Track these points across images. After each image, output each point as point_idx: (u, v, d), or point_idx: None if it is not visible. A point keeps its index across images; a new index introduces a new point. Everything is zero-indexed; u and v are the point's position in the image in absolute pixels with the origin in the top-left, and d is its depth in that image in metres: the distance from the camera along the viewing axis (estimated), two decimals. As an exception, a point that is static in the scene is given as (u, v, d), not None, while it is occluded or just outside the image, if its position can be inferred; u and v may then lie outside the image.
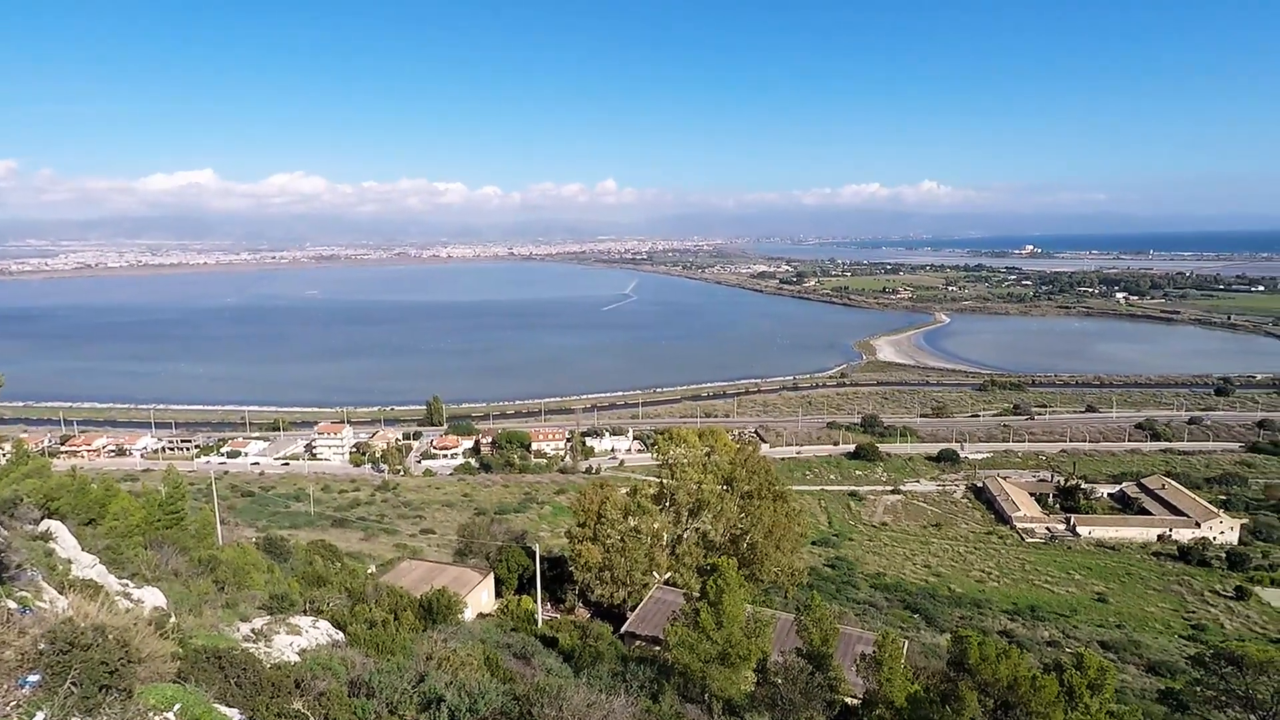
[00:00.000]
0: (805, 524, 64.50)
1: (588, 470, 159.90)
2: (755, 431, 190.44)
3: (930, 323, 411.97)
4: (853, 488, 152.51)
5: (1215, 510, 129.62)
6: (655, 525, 55.81)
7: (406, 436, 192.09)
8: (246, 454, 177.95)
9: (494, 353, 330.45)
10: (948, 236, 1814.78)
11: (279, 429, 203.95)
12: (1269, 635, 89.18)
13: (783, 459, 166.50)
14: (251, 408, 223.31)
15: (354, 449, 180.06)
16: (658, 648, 38.51)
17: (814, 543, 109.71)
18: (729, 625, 32.89)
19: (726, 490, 57.97)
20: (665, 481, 59.23)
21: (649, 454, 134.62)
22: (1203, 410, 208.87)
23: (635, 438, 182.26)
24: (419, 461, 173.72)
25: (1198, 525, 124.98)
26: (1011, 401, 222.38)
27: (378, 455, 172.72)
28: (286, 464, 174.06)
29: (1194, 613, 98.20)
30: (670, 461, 57.70)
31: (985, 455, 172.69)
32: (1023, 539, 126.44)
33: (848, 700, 34.40)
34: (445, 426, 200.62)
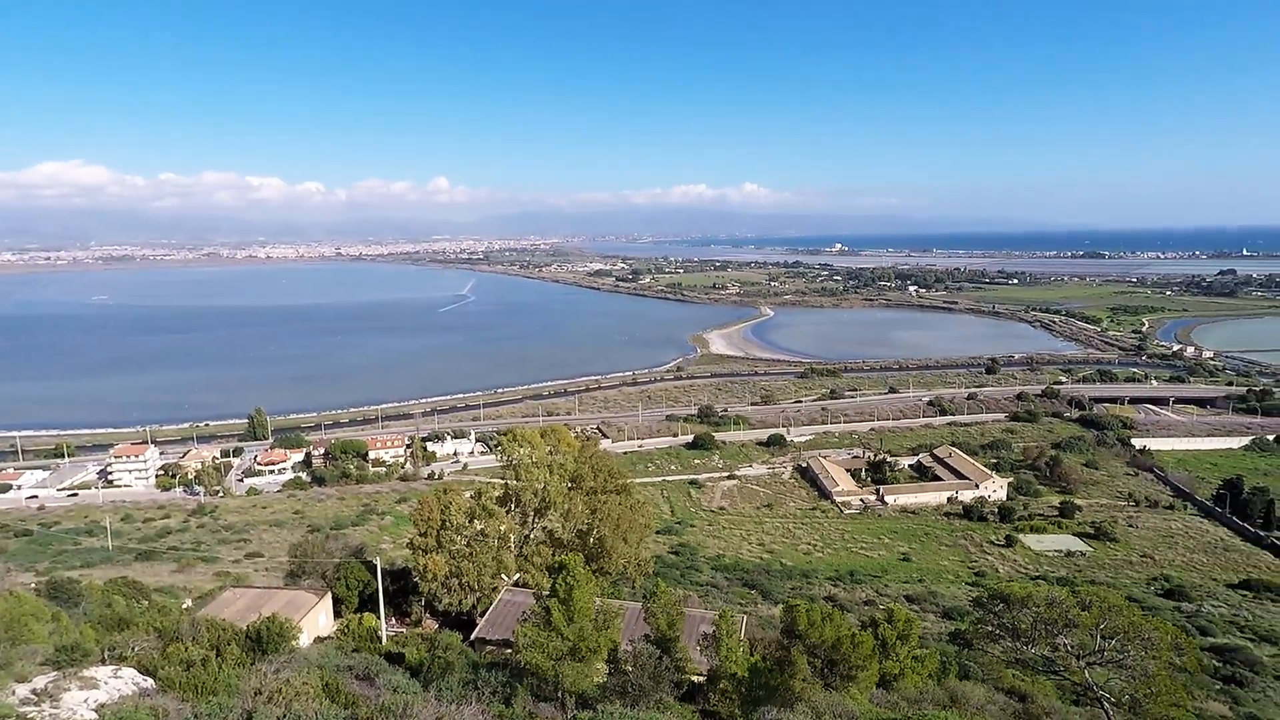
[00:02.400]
0: (649, 515, 66.74)
1: (430, 476, 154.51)
2: (597, 427, 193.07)
3: (756, 316, 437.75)
4: (692, 476, 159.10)
5: (989, 472, 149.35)
6: (502, 528, 55.42)
7: (225, 454, 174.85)
8: (19, 486, 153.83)
9: (323, 359, 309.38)
10: (769, 235, 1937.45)
11: (63, 455, 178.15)
12: (1029, 574, 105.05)
13: (625, 453, 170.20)
14: (24, 433, 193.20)
15: (161, 471, 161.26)
16: (510, 650, 38.45)
17: (658, 532, 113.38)
18: (579, 620, 33.61)
19: (572, 488, 58.71)
20: (510, 483, 58.92)
21: (493, 456, 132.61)
22: (977, 387, 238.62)
23: (478, 440, 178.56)
24: (241, 480, 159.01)
25: (977, 486, 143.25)
26: (828, 387, 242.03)
27: (191, 476, 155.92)
28: (75, 494, 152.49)
29: (976, 562, 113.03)
30: (515, 462, 57.48)
31: (808, 437, 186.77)
32: (842, 511, 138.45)
33: (694, 678, 36.32)
34: (271, 440, 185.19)
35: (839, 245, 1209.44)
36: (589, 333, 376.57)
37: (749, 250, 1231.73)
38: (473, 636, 45.75)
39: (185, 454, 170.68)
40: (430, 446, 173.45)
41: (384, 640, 46.56)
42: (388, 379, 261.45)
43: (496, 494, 58.48)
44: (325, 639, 47.00)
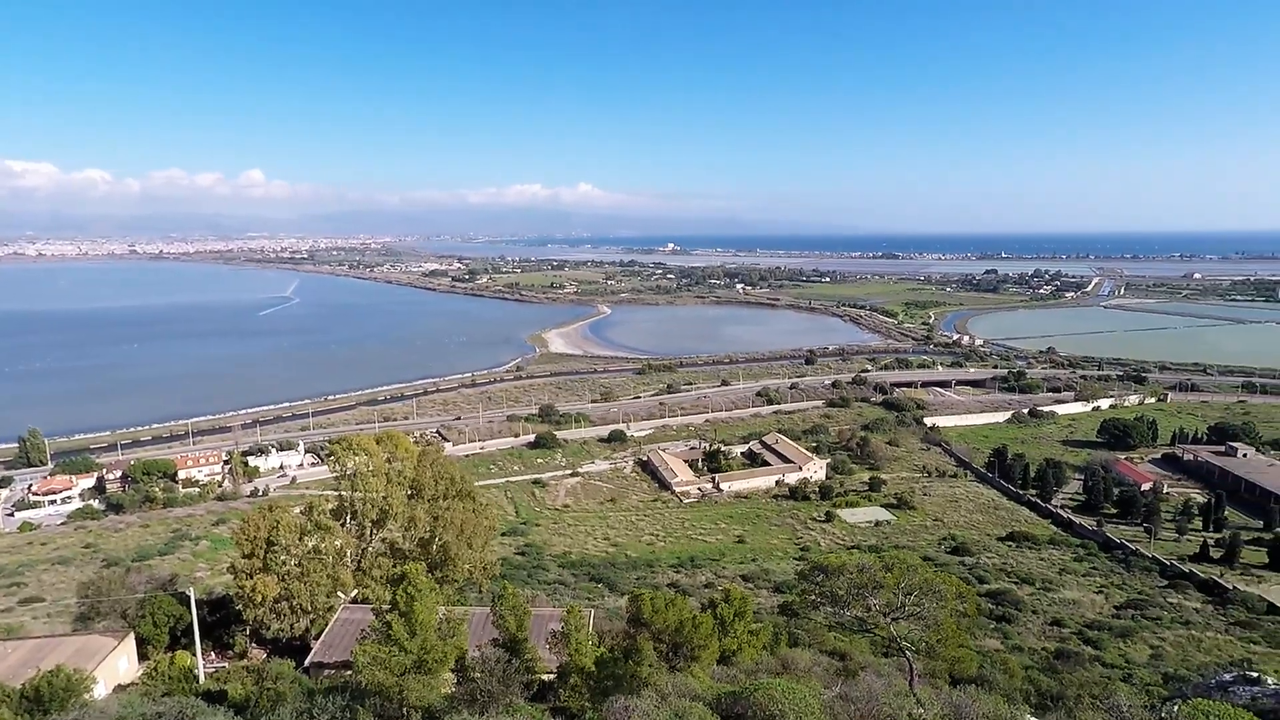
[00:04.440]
0: (494, 517, 66.04)
1: (254, 493, 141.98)
2: (437, 431, 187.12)
3: (594, 315, 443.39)
4: (536, 475, 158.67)
5: (810, 455, 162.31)
6: (338, 542, 52.54)
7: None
8: None
9: (118, 370, 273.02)
10: (605, 235, 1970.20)
11: None
12: (846, 545, 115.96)
13: (467, 456, 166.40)
14: None
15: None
16: (350, 672, 36.76)
17: (504, 534, 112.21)
18: (423, 632, 32.84)
19: (413, 495, 56.84)
20: (345, 494, 55.98)
21: (325, 467, 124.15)
22: (798, 377, 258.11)
23: (308, 451, 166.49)
24: (11, 515, 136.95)
25: (800, 469, 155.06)
26: (665, 382, 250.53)
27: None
28: None
29: (801, 538, 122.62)
30: (350, 472, 54.68)
31: (647, 431, 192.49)
32: (681, 501, 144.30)
33: (545, 677, 36.70)
34: (51, 465, 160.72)
35: (672, 245, 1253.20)
36: (426, 334, 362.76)
37: (585, 250, 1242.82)
38: (307, 662, 43.15)
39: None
40: (253, 461, 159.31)
41: (202, 679, 42.64)
42: (200, 390, 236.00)
43: (330, 507, 55.35)
44: (129, 686, 42.26)
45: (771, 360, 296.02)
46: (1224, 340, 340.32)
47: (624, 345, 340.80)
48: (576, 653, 34.20)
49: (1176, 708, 18.49)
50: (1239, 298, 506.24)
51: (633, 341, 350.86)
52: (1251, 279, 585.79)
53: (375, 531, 56.53)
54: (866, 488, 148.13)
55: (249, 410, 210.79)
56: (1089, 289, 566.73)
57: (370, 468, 54.43)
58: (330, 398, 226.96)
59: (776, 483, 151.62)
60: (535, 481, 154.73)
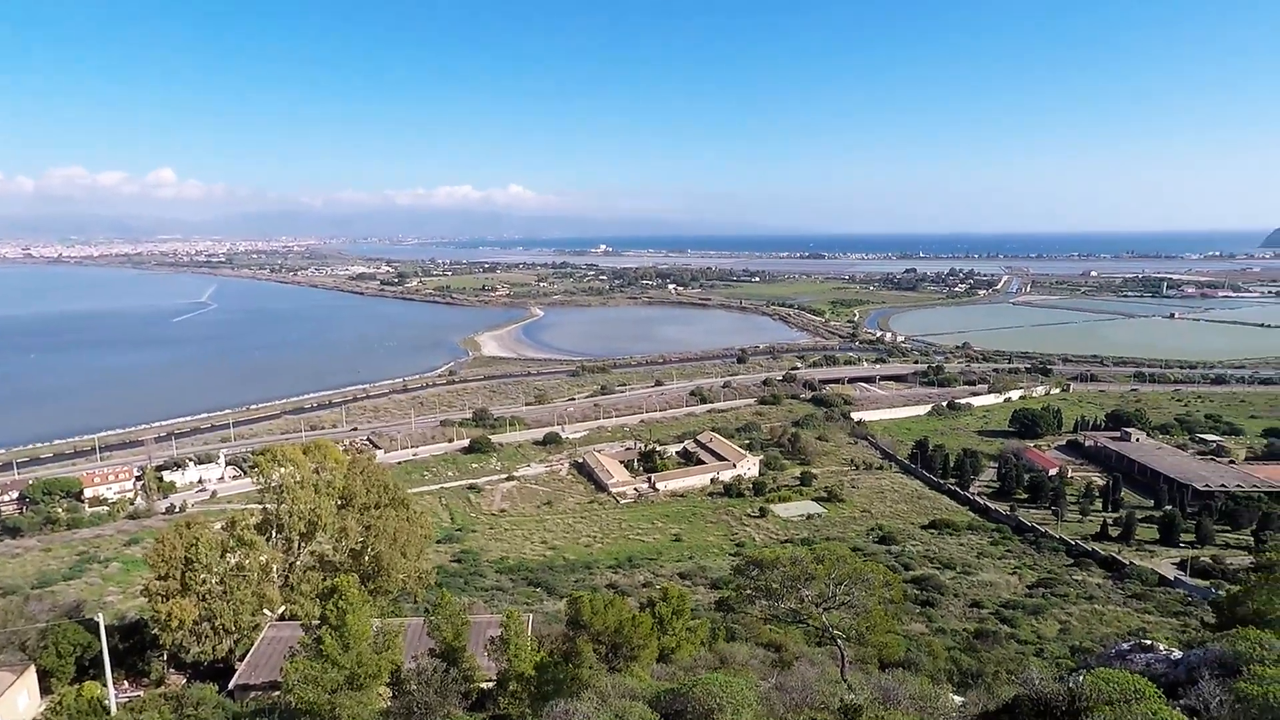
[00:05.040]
0: (428, 525, 64.79)
1: (170, 510, 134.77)
2: (368, 439, 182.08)
3: (527, 317, 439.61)
4: (471, 481, 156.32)
5: (744, 452, 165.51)
6: (263, 558, 50.55)
7: None
8: None
9: (12, 382, 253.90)
10: (537, 237, 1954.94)
11: None
12: (779, 539, 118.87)
13: (399, 463, 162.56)
14: None
15: None
16: (278, 692, 35.61)
17: (439, 541, 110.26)
18: (356, 645, 32.10)
19: (343, 506, 55.28)
20: (270, 507, 53.98)
21: (248, 479, 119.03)
22: (731, 375, 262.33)
23: (229, 463, 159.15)
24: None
25: (735, 466, 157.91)
26: (599, 383, 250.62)
27: None
28: None
29: (736, 534, 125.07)
30: (275, 484, 52.76)
31: (583, 433, 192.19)
32: (618, 501, 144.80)
33: (484, 685, 36.39)
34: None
35: (604, 246, 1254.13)
36: (354, 340, 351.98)
37: (517, 252, 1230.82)
38: (232, 684, 41.54)
39: None
40: (168, 476, 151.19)
41: (113, 710, 40.36)
42: (108, 401, 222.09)
43: (255, 521, 53.24)
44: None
45: (704, 360, 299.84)
46: (1117, 333, 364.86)
47: (558, 347, 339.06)
48: (516, 659, 34.08)
49: (1081, 678, 19.86)
50: (1130, 293, 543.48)
51: (566, 343, 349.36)
52: (1140, 276, 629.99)
53: (304, 544, 54.74)
54: (798, 482, 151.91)
55: (164, 422, 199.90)
56: (999, 287, 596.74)
57: (297, 478, 52.68)
58: (253, 407, 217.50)
59: (711, 480, 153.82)
60: (470, 487, 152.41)
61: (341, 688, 30.58)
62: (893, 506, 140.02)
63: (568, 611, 39.75)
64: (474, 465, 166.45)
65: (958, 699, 25.31)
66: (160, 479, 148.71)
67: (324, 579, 48.51)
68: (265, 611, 48.92)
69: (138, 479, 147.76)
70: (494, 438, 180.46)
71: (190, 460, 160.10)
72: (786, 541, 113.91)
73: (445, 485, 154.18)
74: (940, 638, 66.09)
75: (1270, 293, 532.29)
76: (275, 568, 52.55)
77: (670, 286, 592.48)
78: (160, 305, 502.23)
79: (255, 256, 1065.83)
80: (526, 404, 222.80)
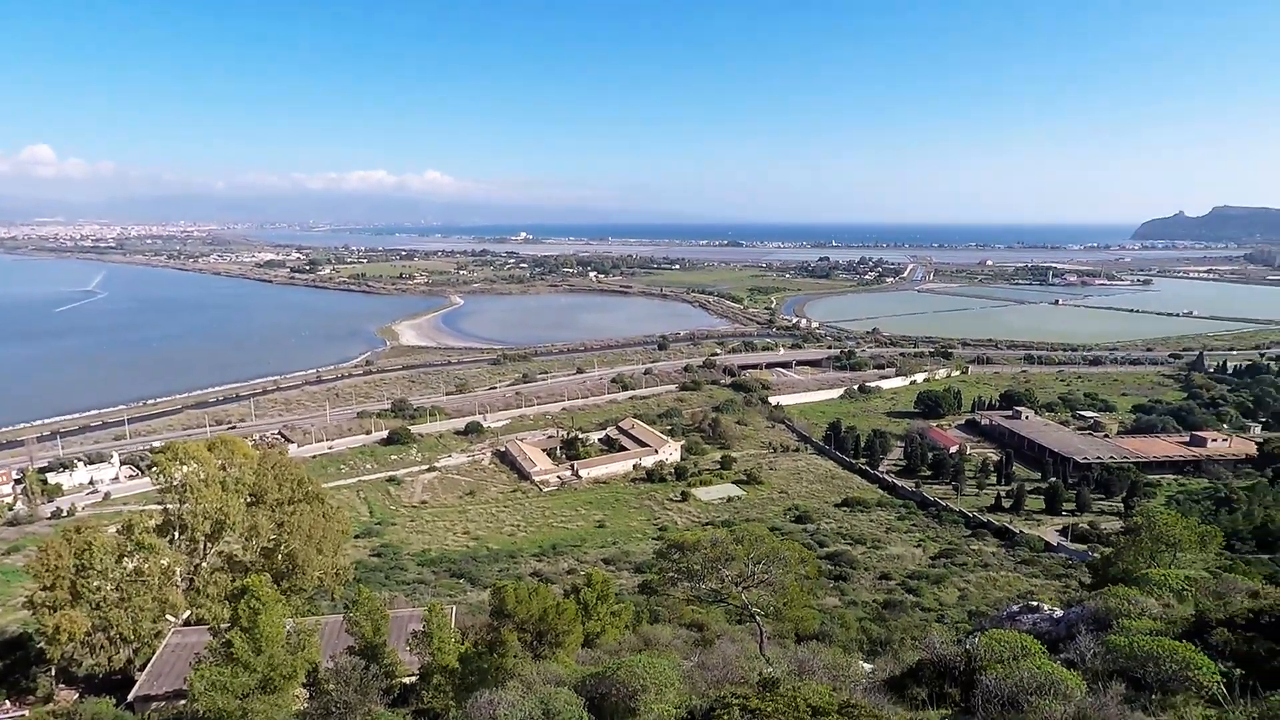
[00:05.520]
0: (346, 520, 63.04)
1: (56, 515, 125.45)
2: (280, 433, 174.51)
3: (446, 305, 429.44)
4: (390, 473, 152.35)
5: (665, 438, 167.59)
6: (164, 561, 48.02)
7: None
8: None
9: None
10: (456, 224, 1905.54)
11: None
12: (701, 522, 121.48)
13: (314, 457, 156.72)
14: None
15: None
16: (184, 701, 34.12)
17: (357, 536, 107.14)
18: (269, 647, 31.11)
19: (254, 503, 53.09)
20: (172, 507, 51.26)
21: (147, 479, 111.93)
22: (652, 362, 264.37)
23: (125, 462, 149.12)
24: None
25: (656, 452, 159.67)
26: (521, 371, 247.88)
27: None
28: None
29: (659, 518, 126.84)
30: (178, 483, 50.11)
31: (505, 422, 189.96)
32: (541, 490, 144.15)
33: (407, 680, 35.91)
34: None
35: (525, 234, 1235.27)
36: (264, 330, 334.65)
37: (436, 239, 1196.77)
38: (131, 696, 39.46)
39: None
40: (54, 478, 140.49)
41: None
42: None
43: (154, 523, 50.47)
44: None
45: (626, 347, 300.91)
46: (1010, 318, 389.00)
47: (478, 336, 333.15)
48: (439, 651, 33.81)
49: (977, 639, 21.42)
50: (1021, 281, 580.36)
51: (487, 332, 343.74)
52: (1029, 266, 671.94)
53: (210, 545, 52.32)
54: (719, 466, 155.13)
55: (47, 420, 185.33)
56: (906, 275, 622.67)
57: (202, 476, 50.20)
58: (151, 402, 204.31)
59: (634, 466, 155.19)
60: (390, 479, 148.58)
61: (254, 692, 29.63)
62: (808, 487, 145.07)
63: (492, 601, 39.66)
64: (393, 457, 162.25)
65: (867, 666, 26.80)
66: (44, 481, 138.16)
67: (233, 580, 46.55)
68: (169, 617, 46.63)
69: (17, 482, 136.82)
70: (414, 428, 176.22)
71: (79, 460, 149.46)
72: (708, 524, 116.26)
73: (363, 478, 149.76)
74: (852, 609, 69.43)
75: (1138, 281, 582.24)
76: (179, 571, 50.11)
77: (592, 274, 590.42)
78: (41, 293, 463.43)
79: (151, 242, 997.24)
80: (447, 393, 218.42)
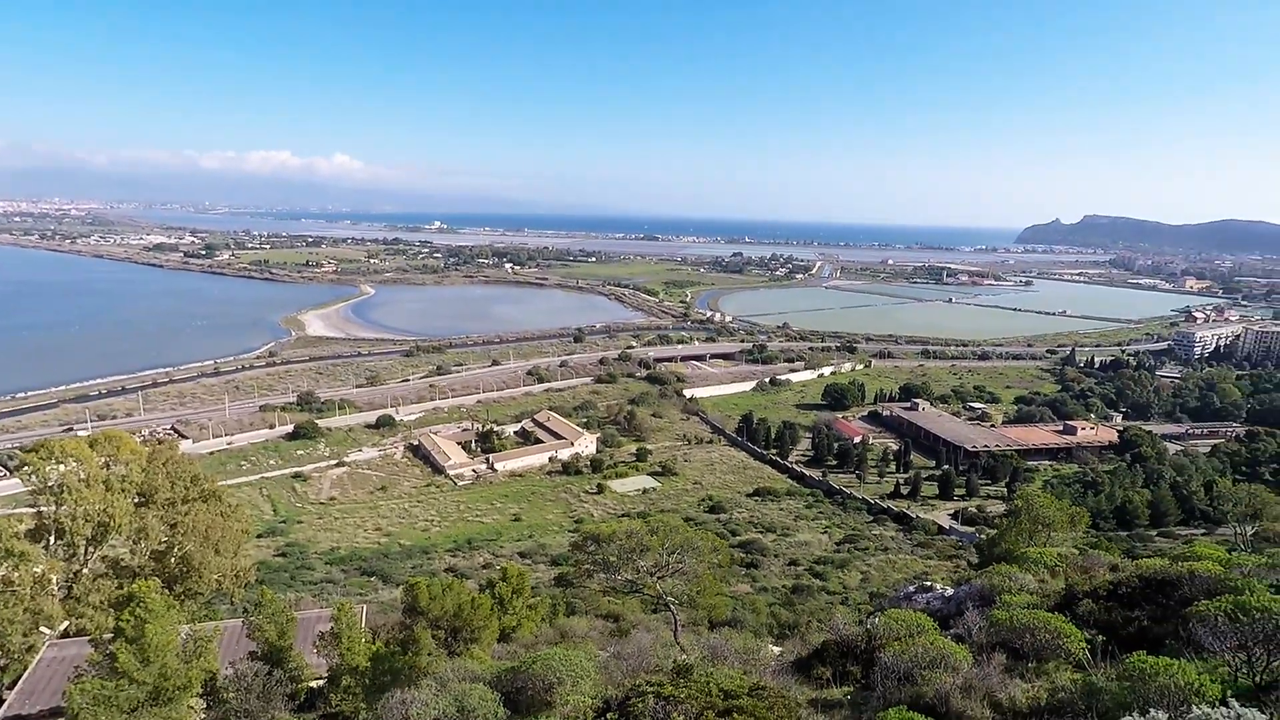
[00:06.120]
0: (246, 519, 59.90)
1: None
2: (172, 428, 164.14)
3: (356, 295, 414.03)
4: (296, 469, 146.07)
5: (581, 431, 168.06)
6: (38, 569, 44.38)
7: None
8: None
9: None
10: (366, 211, 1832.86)
11: None
12: (617, 513, 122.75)
13: (211, 453, 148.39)
14: None
15: None
16: (61, 719, 31.85)
17: (260, 535, 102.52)
18: (159, 657, 29.35)
19: (143, 503, 49.74)
20: (47, 509, 47.36)
21: (16, 479, 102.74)
22: (568, 354, 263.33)
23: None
24: None
25: (572, 444, 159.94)
26: (435, 364, 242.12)
27: None
28: None
29: (575, 511, 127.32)
30: (54, 483, 46.31)
31: (418, 415, 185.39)
32: (456, 484, 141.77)
33: (314, 683, 34.69)
34: None
35: (439, 223, 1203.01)
36: (154, 318, 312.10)
37: (345, 226, 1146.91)
38: (0, 717, 36.45)
39: None
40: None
41: None
42: None
43: (25, 527, 46.53)
44: None
45: (541, 339, 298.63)
46: (908, 315, 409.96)
47: (390, 326, 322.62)
48: (348, 652, 32.80)
49: (876, 619, 22.71)
50: (919, 280, 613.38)
51: (399, 322, 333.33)
52: (926, 265, 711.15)
53: (93, 549, 48.69)
54: (634, 458, 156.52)
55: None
56: (814, 271, 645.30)
57: (83, 475, 46.60)
58: (20, 395, 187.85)
59: (550, 459, 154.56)
60: (296, 475, 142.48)
61: (143, 705, 27.93)
62: (722, 477, 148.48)
63: (404, 599, 38.83)
64: (299, 452, 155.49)
65: (776, 649, 27.93)
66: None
67: (119, 586, 43.55)
68: (43, 629, 43.18)
69: None
70: (321, 422, 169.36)
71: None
72: (623, 516, 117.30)
73: (267, 475, 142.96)
74: (762, 595, 71.76)
75: (1021, 282, 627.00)
76: (55, 579, 46.40)
77: (507, 265, 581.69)
78: None
79: (19, 220, 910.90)
80: (357, 386, 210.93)
